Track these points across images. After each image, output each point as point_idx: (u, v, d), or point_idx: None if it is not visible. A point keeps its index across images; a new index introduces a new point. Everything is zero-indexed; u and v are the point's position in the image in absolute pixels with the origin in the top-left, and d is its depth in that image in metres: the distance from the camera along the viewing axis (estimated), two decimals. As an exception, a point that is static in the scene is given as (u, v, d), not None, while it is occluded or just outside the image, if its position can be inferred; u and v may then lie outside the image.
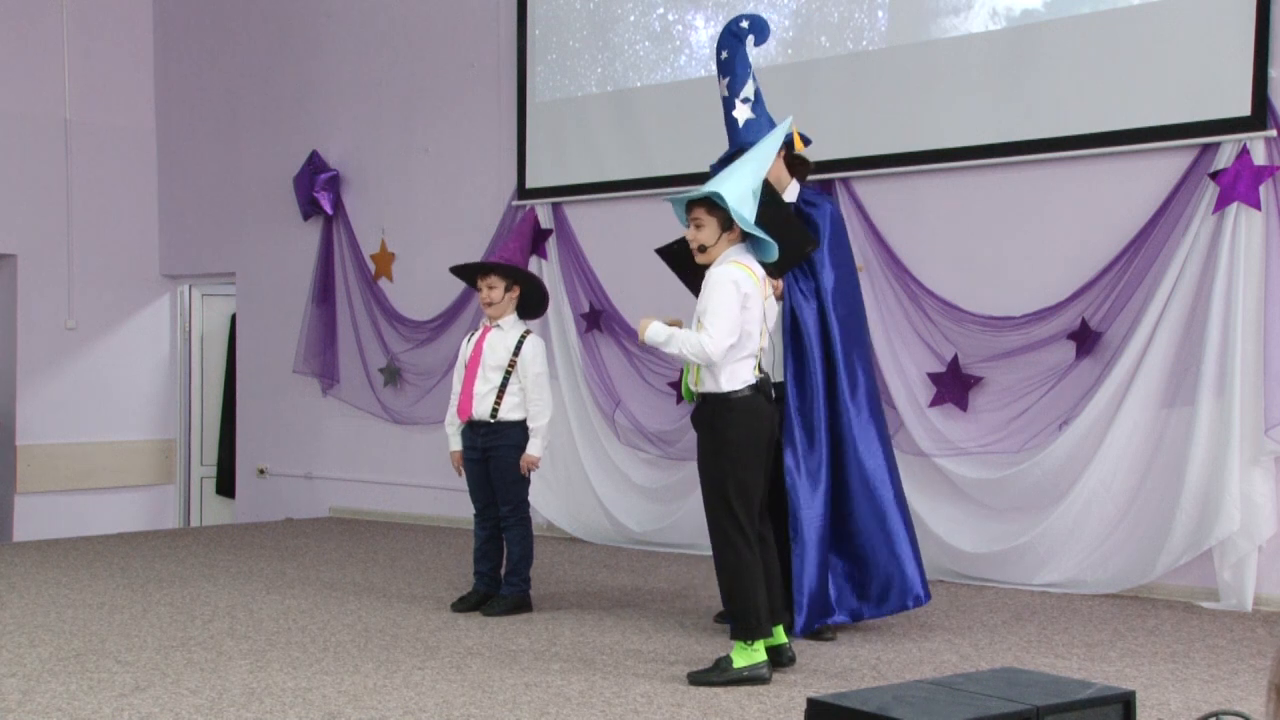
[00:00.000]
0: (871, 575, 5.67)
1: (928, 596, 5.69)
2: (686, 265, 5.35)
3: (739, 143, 5.68)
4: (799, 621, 5.46)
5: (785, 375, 5.58)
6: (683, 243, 5.38)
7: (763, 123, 5.73)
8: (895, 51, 7.41)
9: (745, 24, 5.88)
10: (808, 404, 5.58)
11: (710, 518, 4.95)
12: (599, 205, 8.61)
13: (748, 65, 5.81)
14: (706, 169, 6.01)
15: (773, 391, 5.09)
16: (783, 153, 5.63)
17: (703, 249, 4.98)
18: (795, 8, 7.79)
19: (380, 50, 10.00)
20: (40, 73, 10.90)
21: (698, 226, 4.96)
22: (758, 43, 5.90)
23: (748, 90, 5.76)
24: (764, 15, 7.85)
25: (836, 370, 5.62)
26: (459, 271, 6.40)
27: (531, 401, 6.15)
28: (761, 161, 5.02)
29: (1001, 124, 7.02)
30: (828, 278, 5.68)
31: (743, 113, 5.75)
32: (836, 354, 5.63)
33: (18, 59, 10.79)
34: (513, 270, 6.27)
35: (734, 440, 4.86)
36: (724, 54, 5.85)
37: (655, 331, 4.91)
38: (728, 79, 5.81)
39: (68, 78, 11.00)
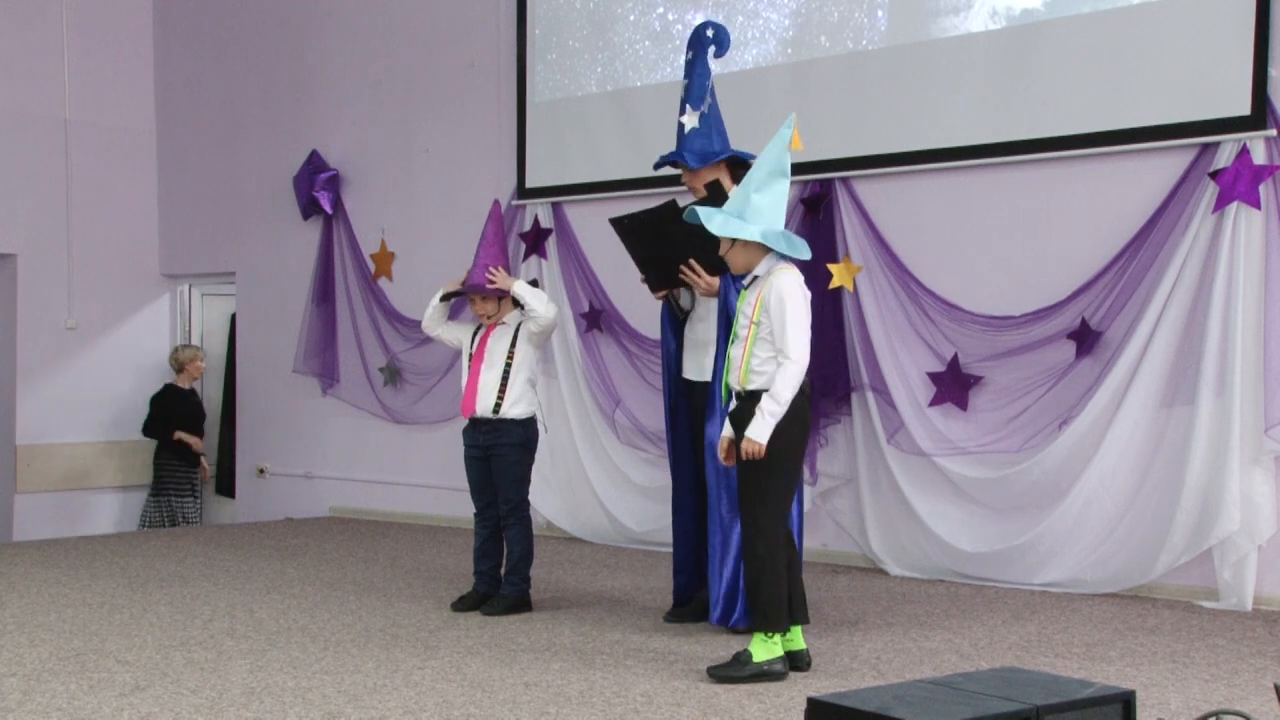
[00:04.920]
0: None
1: (719, 621, 5.68)
2: (642, 238, 5.72)
3: (682, 148, 5.75)
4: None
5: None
6: (643, 218, 5.73)
7: (711, 137, 5.74)
8: (895, 51, 7.41)
9: (710, 32, 5.88)
10: None
11: (744, 510, 4.95)
12: (599, 205, 8.59)
13: (707, 74, 5.84)
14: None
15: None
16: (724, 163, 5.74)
17: (733, 265, 5.02)
18: (795, 8, 7.79)
19: (380, 50, 10.00)
20: (40, 73, 10.90)
21: (730, 245, 4.97)
22: (717, 55, 5.90)
23: (704, 104, 5.77)
24: (764, 15, 7.92)
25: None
26: (452, 297, 6.43)
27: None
28: (773, 171, 4.94)
29: (1001, 124, 7.02)
30: None
31: (690, 120, 5.77)
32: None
33: (18, 59, 10.79)
34: (497, 292, 6.26)
35: (784, 442, 4.88)
36: (689, 55, 5.89)
37: (766, 427, 4.80)
38: (687, 81, 5.86)
39: (68, 78, 11.00)
